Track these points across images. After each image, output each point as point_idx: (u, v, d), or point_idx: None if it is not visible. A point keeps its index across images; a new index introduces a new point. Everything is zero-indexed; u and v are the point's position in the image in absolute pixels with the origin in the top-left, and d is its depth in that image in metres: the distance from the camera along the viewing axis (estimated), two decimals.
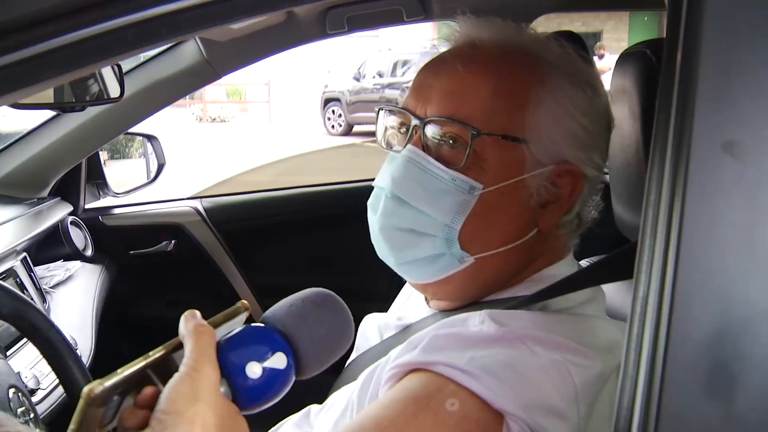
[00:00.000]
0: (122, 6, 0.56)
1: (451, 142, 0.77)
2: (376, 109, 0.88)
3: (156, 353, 0.59)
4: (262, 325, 0.63)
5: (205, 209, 2.06)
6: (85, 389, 0.54)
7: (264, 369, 0.59)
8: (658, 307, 0.52)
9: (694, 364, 0.51)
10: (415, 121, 0.80)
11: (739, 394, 0.51)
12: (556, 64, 0.80)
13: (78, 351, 1.32)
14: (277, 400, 0.61)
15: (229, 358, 0.59)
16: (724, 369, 0.51)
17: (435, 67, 0.82)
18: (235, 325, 0.64)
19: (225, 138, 12.75)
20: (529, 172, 0.77)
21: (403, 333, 0.89)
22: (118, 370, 0.56)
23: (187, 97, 15.56)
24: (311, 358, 0.63)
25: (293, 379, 0.62)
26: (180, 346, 0.59)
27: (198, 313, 0.62)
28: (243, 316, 0.65)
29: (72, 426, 0.55)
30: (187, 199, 2.12)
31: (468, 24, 0.83)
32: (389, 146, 0.85)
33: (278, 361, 0.60)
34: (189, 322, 0.60)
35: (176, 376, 0.56)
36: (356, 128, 12.79)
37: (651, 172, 0.56)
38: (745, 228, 0.52)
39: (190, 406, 0.54)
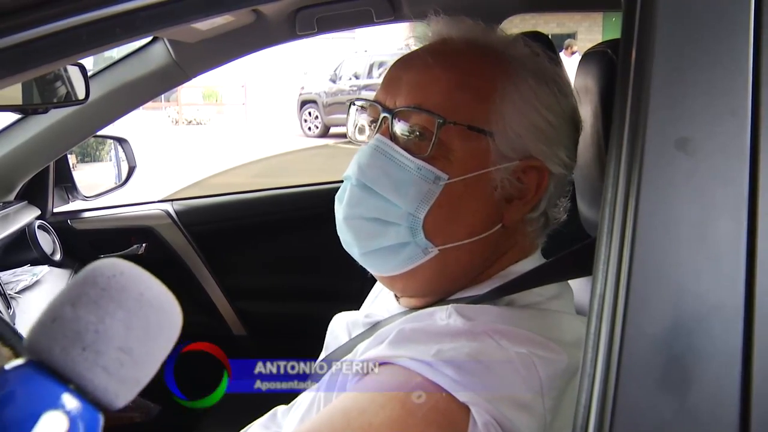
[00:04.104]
0: (75, 4, 0.54)
1: (418, 132, 0.78)
2: (348, 104, 0.89)
3: None
4: (21, 364, 0.39)
5: (176, 212, 2.03)
6: None
7: None
8: (613, 304, 0.53)
9: (648, 359, 0.52)
10: (384, 113, 0.81)
11: (691, 387, 0.52)
12: (521, 61, 0.81)
13: None
14: None
15: None
16: (677, 363, 0.52)
17: (406, 61, 0.83)
18: None
19: (200, 140, 12.61)
20: (494, 165, 0.78)
21: (372, 330, 0.88)
22: None
23: (162, 99, 15.51)
24: (116, 387, 0.40)
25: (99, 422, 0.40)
26: None
27: None
28: None
29: None
30: (158, 201, 2.09)
31: (440, 23, 0.85)
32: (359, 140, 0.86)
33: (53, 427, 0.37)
34: None
35: None
36: (333, 130, 12.74)
37: (608, 169, 0.57)
38: (698, 224, 0.52)
39: None
